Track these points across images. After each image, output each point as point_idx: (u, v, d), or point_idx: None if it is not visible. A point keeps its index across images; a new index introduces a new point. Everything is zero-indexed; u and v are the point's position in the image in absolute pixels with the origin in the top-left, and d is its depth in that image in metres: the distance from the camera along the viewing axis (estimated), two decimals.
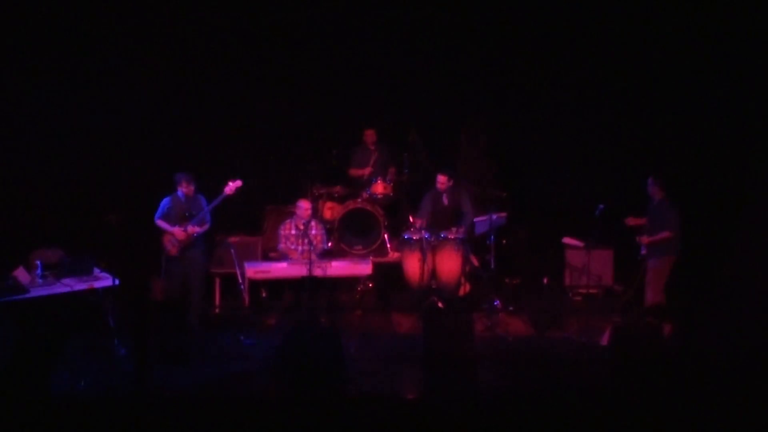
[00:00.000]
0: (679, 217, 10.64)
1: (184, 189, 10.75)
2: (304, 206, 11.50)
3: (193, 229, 10.69)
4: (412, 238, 11.53)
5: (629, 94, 12.77)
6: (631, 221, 10.99)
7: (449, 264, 11.43)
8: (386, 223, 12.73)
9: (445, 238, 11.41)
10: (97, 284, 9.93)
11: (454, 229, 11.50)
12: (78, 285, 9.82)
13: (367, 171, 12.87)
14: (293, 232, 11.61)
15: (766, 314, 10.37)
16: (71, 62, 12.40)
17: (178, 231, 10.69)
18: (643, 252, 10.79)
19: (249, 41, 12.82)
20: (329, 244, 12.08)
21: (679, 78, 12.46)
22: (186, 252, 10.75)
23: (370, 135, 13.06)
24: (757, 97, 11.35)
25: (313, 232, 11.55)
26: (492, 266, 11.80)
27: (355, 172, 13.09)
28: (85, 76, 12.45)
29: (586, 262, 11.81)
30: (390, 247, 12.72)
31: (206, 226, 10.86)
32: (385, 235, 12.71)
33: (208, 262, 11.25)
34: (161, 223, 10.78)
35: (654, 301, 10.66)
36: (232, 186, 10.78)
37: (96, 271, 10.19)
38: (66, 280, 9.85)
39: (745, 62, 11.55)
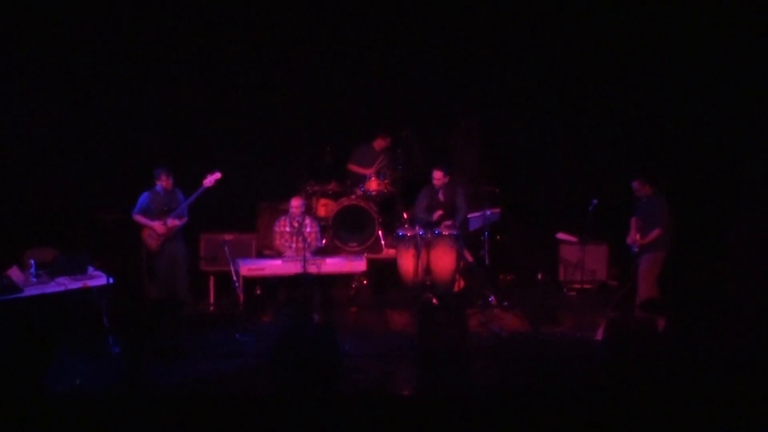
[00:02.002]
0: (668, 210, 10.64)
1: (163, 183, 10.83)
2: (295, 204, 11.50)
3: (173, 222, 10.76)
4: (406, 235, 11.52)
5: (622, 89, 12.80)
6: (632, 239, 10.89)
7: (443, 260, 11.43)
8: (380, 220, 12.72)
9: (440, 235, 11.41)
10: (91, 283, 9.92)
11: (449, 224, 11.51)
12: (72, 284, 9.80)
13: (369, 172, 12.80)
14: (287, 229, 11.61)
15: (762, 310, 10.40)
16: (63, 63, 12.40)
17: (158, 225, 10.76)
18: (635, 250, 10.79)
19: (242, 37, 12.81)
20: (323, 241, 12.08)
21: (672, 73, 12.48)
22: (166, 246, 10.82)
23: (385, 142, 12.95)
24: (750, 90, 11.37)
25: (308, 230, 11.54)
26: (486, 262, 11.80)
27: (356, 168, 13.01)
28: (78, 75, 12.44)
29: (580, 257, 11.85)
30: (384, 244, 12.71)
31: (184, 220, 10.94)
32: (380, 232, 12.70)
33: (189, 256, 11.25)
34: (140, 218, 10.87)
35: (647, 296, 10.66)
36: (211, 178, 10.83)
37: (90, 269, 10.18)
38: (60, 279, 9.83)
39: (738, 57, 11.57)
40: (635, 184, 10.67)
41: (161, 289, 10.91)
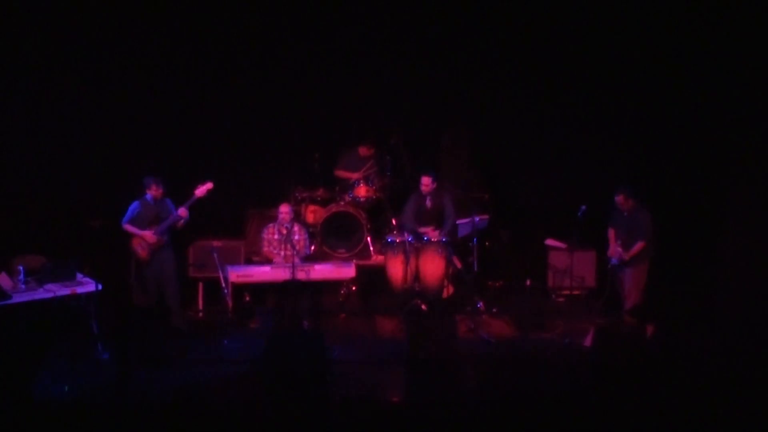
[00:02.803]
0: (651, 222, 10.67)
1: (153, 192, 10.77)
2: (284, 210, 11.48)
3: (184, 212, 10.70)
4: (395, 241, 11.53)
5: (610, 95, 12.82)
6: (614, 251, 10.92)
7: (432, 266, 11.44)
8: (369, 226, 12.72)
9: (428, 241, 11.42)
10: (80, 289, 9.91)
11: (436, 232, 11.53)
12: (61, 290, 9.79)
13: (355, 176, 12.78)
14: (276, 236, 11.58)
15: (749, 315, 10.44)
16: (52, 70, 12.35)
17: (148, 234, 10.71)
18: (614, 262, 10.80)
19: (230, 45, 12.80)
20: (312, 248, 12.06)
21: (658, 77, 12.51)
22: (156, 255, 10.78)
23: (370, 151, 12.87)
24: (739, 96, 11.41)
25: (296, 237, 11.52)
26: (475, 268, 11.81)
27: (343, 173, 12.96)
28: (67, 83, 12.39)
29: (568, 264, 11.84)
30: (373, 250, 12.70)
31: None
32: (368, 238, 12.70)
33: (178, 264, 11.22)
34: (130, 227, 10.79)
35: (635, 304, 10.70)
36: (202, 188, 10.82)
37: (79, 276, 10.16)
38: (49, 286, 9.82)
39: (723, 63, 11.61)
40: (619, 199, 10.68)
41: (150, 298, 10.87)
